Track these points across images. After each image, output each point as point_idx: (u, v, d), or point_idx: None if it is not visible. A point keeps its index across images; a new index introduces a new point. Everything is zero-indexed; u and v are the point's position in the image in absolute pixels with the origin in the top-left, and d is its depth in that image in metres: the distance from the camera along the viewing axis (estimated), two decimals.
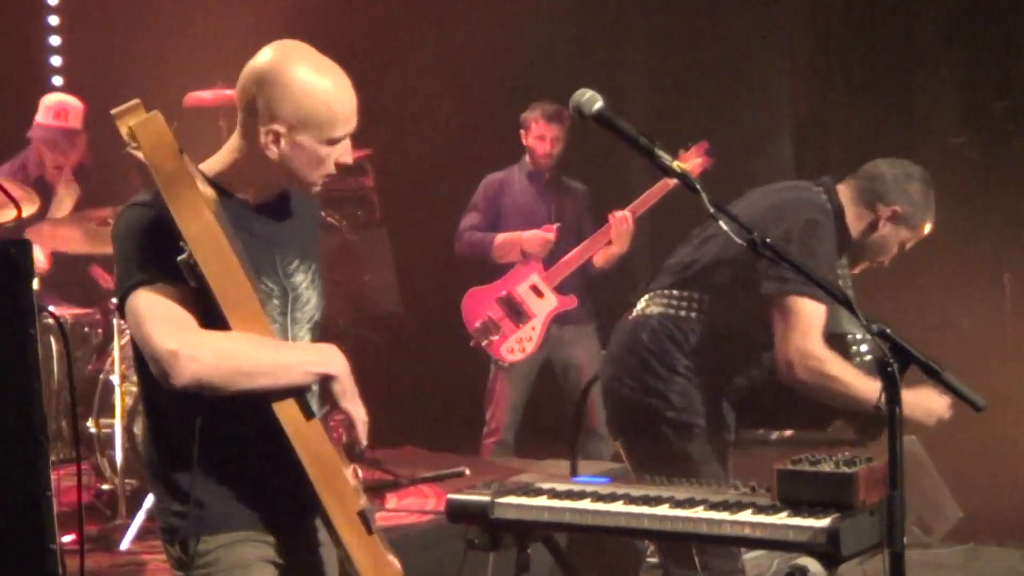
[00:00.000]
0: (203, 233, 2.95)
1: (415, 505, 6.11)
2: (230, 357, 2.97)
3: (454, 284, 7.25)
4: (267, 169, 3.13)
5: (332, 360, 3.10)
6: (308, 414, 3.05)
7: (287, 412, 3.03)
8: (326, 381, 3.09)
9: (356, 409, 3.13)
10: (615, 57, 9.17)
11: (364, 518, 3.11)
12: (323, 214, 7.34)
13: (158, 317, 2.95)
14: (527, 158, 7.20)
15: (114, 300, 5.83)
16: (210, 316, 2.98)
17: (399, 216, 8.72)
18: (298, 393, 3.05)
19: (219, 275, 2.96)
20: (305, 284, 3.26)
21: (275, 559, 3.17)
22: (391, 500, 6.19)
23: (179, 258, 2.93)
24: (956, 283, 8.17)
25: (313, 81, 3.08)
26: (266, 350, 3.02)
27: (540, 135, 7.08)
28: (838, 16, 8.71)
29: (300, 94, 3.06)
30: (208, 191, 3.06)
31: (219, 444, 3.07)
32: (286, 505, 3.16)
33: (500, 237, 7.03)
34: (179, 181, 2.97)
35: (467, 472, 3.68)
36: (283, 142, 3.08)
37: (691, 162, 6.73)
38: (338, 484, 3.08)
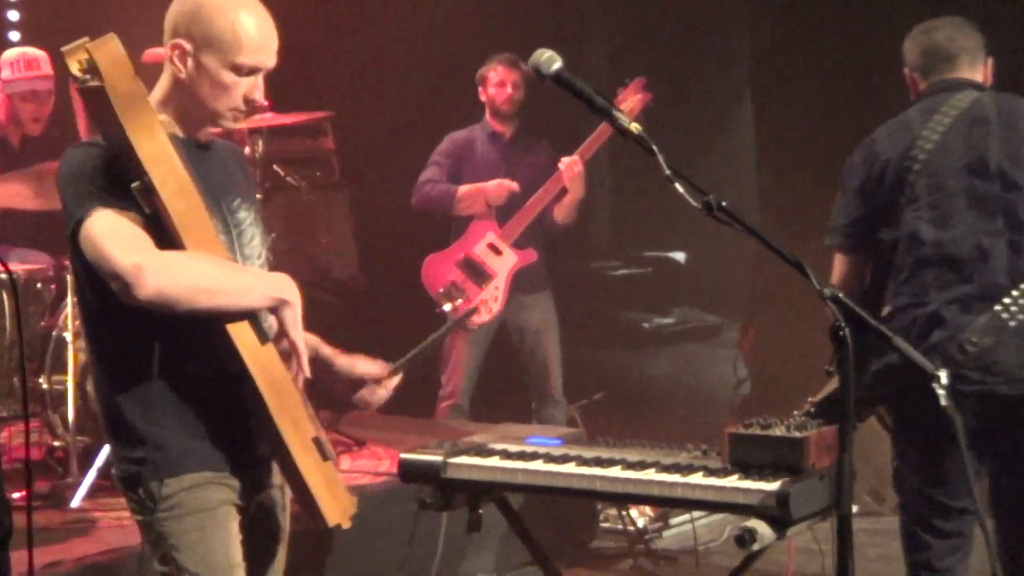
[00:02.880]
0: (159, 153, 2.99)
1: (369, 467, 6.12)
2: (193, 273, 2.99)
3: (413, 247, 7.21)
4: (182, 93, 3.17)
5: (287, 287, 3.13)
6: (263, 338, 3.09)
7: (242, 335, 3.06)
8: (279, 307, 3.11)
9: (301, 340, 3.14)
10: (578, 21, 9.15)
11: (319, 444, 3.14)
12: (281, 173, 7.31)
13: (119, 236, 2.96)
14: (487, 117, 7.14)
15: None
16: (165, 244, 3.00)
17: (359, 179, 8.69)
18: (252, 317, 3.07)
19: (175, 196, 2.99)
20: (249, 221, 3.29)
21: (236, 501, 3.19)
22: (345, 461, 6.18)
23: (133, 184, 2.96)
24: None
25: (225, 5, 3.15)
26: (226, 270, 3.07)
27: (500, 81, 7.02)
28: None
29: (209, 14, 3.13)
30: (163, 117, 3.10)
31: (174, 385, 3.10)
32: (245, 445, 3.19)
33: (463, 188, 6.97)
34: (136, 102, 3.01)
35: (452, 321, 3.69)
36: (189, 61, 3.14)
37: (631, 100, 6.72)
38: (293, 409, 3.12)
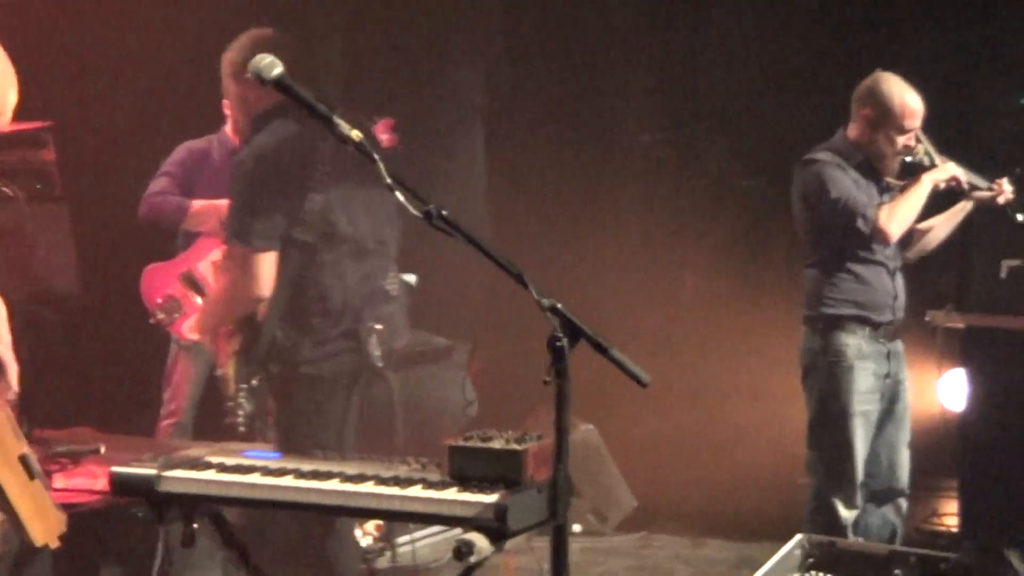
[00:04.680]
0: None
1: (84, 484, 5.91)
2: None
3: (136, 262, 7.02)
4: None
5: None
6: None
7: None
8: None
9: (8, 355, 3.03)
10: (309, 32, 9.09)
11: (26, 463, 3.02)
12: None
13: None
14: (227, 129, 6.85)
15: None
16: None
17: (81, 191, 8.42)
18: None
19: None
20: None
21: None
22: (59, 480, 5.97)
23: None
24: (639, 280, 8.38)
25: None
26: None
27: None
28: (532, 12, 8.86)
29: None
30: None
31: None
32: None
33: (197, 204, 6.73)
34: None
35: (102, 449, 3.61)
36: None
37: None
38: None
